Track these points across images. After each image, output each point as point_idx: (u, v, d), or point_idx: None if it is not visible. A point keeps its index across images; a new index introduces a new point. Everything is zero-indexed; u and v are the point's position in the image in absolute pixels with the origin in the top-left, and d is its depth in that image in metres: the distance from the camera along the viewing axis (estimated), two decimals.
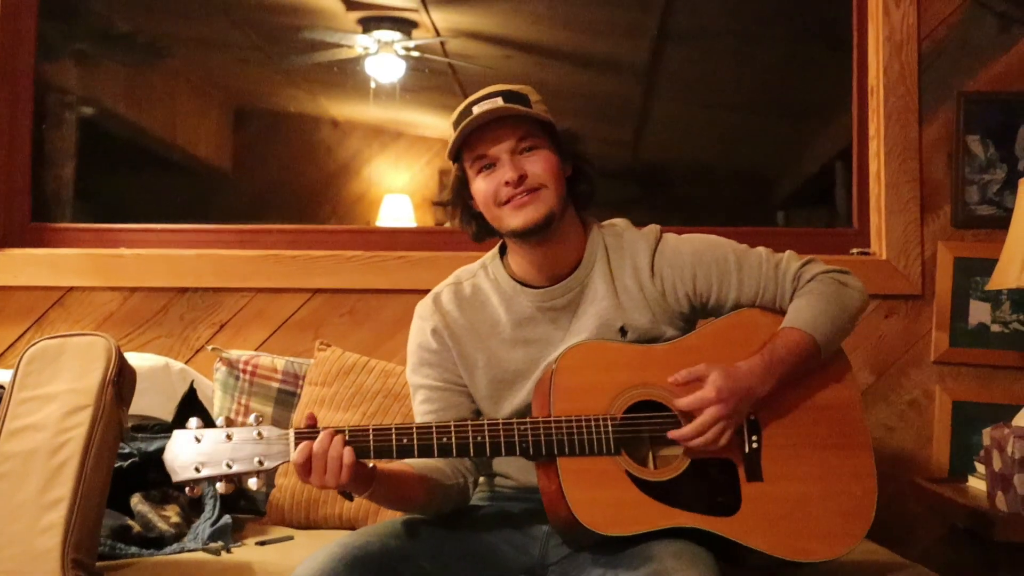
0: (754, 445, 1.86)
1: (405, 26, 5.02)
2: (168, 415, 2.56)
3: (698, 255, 1.98)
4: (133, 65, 4.97)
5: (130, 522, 2.27)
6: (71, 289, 2.92)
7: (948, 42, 2.81)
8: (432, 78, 5.44)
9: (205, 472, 1.67)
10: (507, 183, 1.88)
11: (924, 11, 2.81)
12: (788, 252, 2.01)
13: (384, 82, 5.27)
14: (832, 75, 3.01)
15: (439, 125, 6.13)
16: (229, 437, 1.69)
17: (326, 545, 1.75)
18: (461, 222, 2.03)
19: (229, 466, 1.67)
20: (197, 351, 2.90)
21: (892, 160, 2.79)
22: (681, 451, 1.84)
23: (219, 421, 1.71)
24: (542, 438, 1.78)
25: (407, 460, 1.82)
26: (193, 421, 1.70)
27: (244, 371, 2.71)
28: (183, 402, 2.57)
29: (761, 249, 2.01)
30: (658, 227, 2.04)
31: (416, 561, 1.79)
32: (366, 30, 5.03)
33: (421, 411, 2.01)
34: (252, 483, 1.69)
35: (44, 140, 3.32)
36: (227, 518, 2.35)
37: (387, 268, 2.88)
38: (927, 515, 2.68)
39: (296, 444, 1.68)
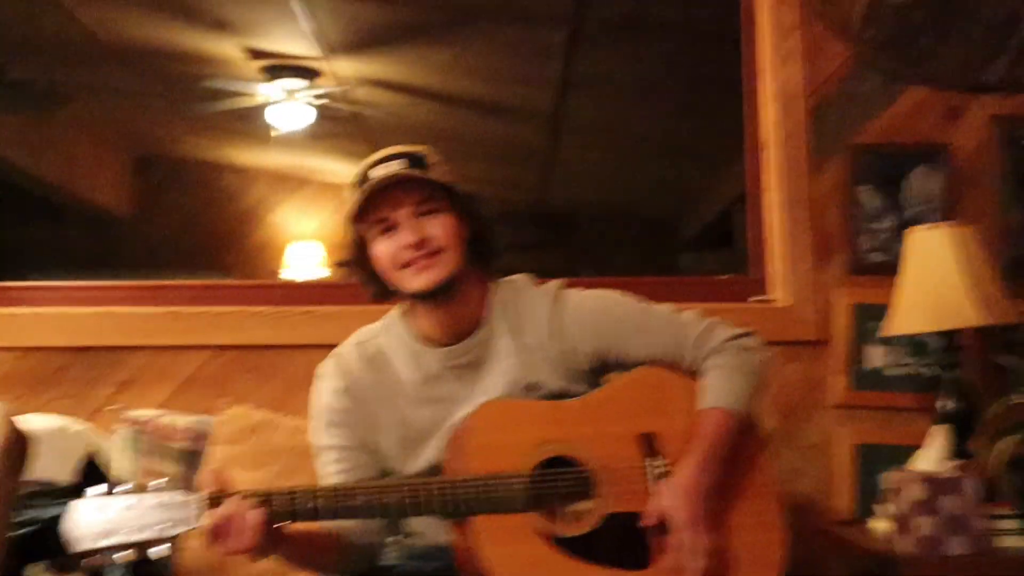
0: None
1: (309, 74, 5.03)
2: (67, 477, 2.49)
3: (598, 314, 2.00)
4: (29, 113, 4.88)
5: None
6: None
7: (836, 97, 2.89)
8: (338, 125, 5.46)
9: (108, 541, 1.63)
10: (407, 246, 1.90)
11: (811, 67, 2.89)
12: (691, 313, 2.03)
13: (289, 130, 5.27)
14: (730, 120, 3.09)
15: (347, 171, 6.14)
16: (134, 503, 1.64)
17: None
18: (363, 284, 2.03)
19: (137, 532, 1.63)
20: (97, 411, 2.82)
21: (787, 211, 2.86)
22: (592, 505, 1.85)
23: (127, 485, 1.67)
24: (456, 497, 1.79)
25: None
26: (95, 489, 1.65)
27: (147, 431, 2.65)
28: (84, 467, 2.50)
29: (664, 309, 2.03)
30: (558, 284, 2.06)
31: None
32: (270, 78, 5.02)
33: (330, 471, 1.99)
34: (160, 550, 1.65)
35: None
36: None
37: (293, 323, 2.85)
38: (834, 558, 2.72)
39: (207, 508, 1.67)
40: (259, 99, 5.10)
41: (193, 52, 4.88)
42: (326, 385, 2.04)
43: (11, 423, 2.05)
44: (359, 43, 4.73)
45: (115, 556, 1.63)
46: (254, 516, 1.66)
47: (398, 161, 1.92)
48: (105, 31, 4.52)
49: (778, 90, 2.88)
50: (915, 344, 2.80)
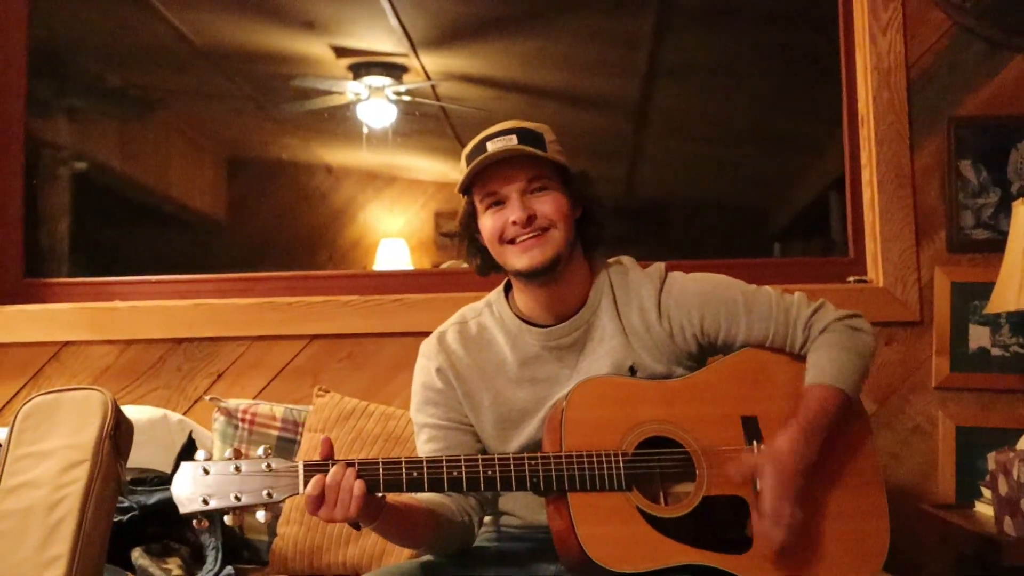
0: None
1: (395, 71, 5.05)
2: (167, 467, 2.54)
3: (705, 296, 1.98)
4: (125, 119, 5.00)
5: None
6: (66, 344, 2.91)
7: (936, 68, 2.82)
8: (424, 122, 5.48)
9: (212, 504, 1.66)
10: (514, 222, 1.89)
11: (911, 38, 2.82)
12: (798, 295, 1.99)
13: (376, 127, 5.30)
14: (822, 105, 3.02)
15: (433, 168, 6.17)
16: (237, 469, 1.67)
17: None
18: (468, 254, 2.03)
19: (237, 498, 1.65)
20: (195, 401, 2.88)
21: (885, 187, 2.79)
22: (693, 487, 1.82)
23: (227, 453, 1.70)
24: (553, 473, 1.77)
25: (415, 495, 1.82)
26: (200, 453, 1.70)
27: (243, 420, 2.68)
28: (181, 453, 2.54)
29: (770, 291, 2.00)
30: (663, 265, 2.04)
31: None
32: (356, 76, 5.06)
33: (426, 450, 1.99)
34: (260, 516, 1.67)
35: (37, 196, 3.32)
36: (230, 569, 2.33)
37: (384, 312, 2.87)
38: (935, 542, 2.65)
39: (306, 477, 1.67)
40: (347, 97, 5.14)
41: (281, 53, 4.94)
42: (425, 364, 2.04)
43: (117, 409, 2.09)
44: (444, 38, 4.74)
45: (222, 519, 1.68)
46: (357, 485, 1.66)
47: (514, 135, 1.90)
48: (197, 35, 4.61)
49: (876, 63, 2.81)
50: (1022, 323, 2.71)
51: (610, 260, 2.06)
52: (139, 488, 2.43)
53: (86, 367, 2.90)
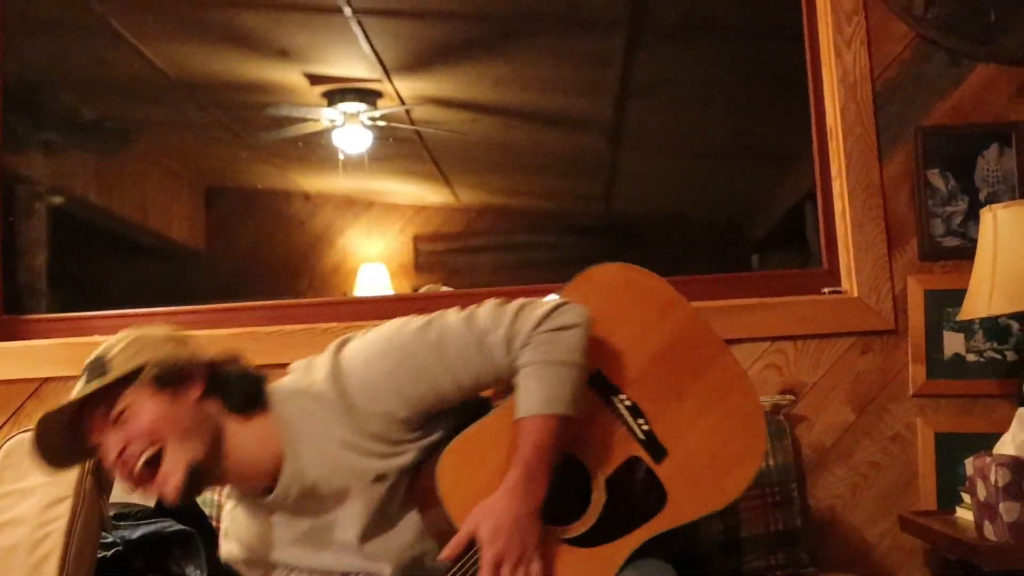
0: (644, 427, 1.85)
1: (370, 97, 5.08)
2: (151, 501, 2.53)
3: (391, 371, 1.75)
4: (101, 152, 5.01)
5: None
6: (47, 380, 2.89)
7: (901, 79, 2.84)
8: (399, 146, 5.51)
9: None
10: (115, 463, 1.70)
11: (875, 51, 2.84)
12: (486, 309, 1.81)
13: (352, 153, 5.32)
14: (795, 117, 3.05)
15: (410, 192, 6.19)
16: None
17: None
18: None
19: None
20: None
21: (856, 199, 2.81)
22: (592, 493, 1.81)
23: None
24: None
25: None
26: None
27: None
28: None
29: (452, 321, 1.79)
30: (331, 353, 1.82)
31: None
32: (331, 103, 5.09)
33: None
34: None
35: (14, 232, 3.31)
36: None
37: None
38: (919, 549, 2.67)
39: None
40: (322, 124, 5.17)
41: (256, 81, 4.97)
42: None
43: None
44: (417, 62, 4.77)
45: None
46: None
47: (81, 380, 1.75)
48: (171, 67, 4.63)
49: (842, 76, 2.83)
50: (995, 328, 2.74)
51: (277, 390, 1.83)
52: (123, 523, 2.42)
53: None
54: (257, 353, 2.83)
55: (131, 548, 2.34)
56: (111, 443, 1.68)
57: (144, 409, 1.69)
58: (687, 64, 4.72)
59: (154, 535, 2.39)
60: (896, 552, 2.69)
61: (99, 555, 2.22)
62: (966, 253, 2.64)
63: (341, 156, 5.38)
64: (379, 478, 1.75)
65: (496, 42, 4.62)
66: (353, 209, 6.18)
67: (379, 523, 1.79)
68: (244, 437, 1.75)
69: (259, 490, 1.79)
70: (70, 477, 2.03)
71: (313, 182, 6.08)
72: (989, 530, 2.17)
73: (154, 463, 1.67)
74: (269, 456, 1.75)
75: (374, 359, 1.77)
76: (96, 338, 2.92)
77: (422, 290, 5.64)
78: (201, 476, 1.70)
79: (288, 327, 2.91)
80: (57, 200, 4.17)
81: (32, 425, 1.72)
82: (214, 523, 2.62)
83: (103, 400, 1.69)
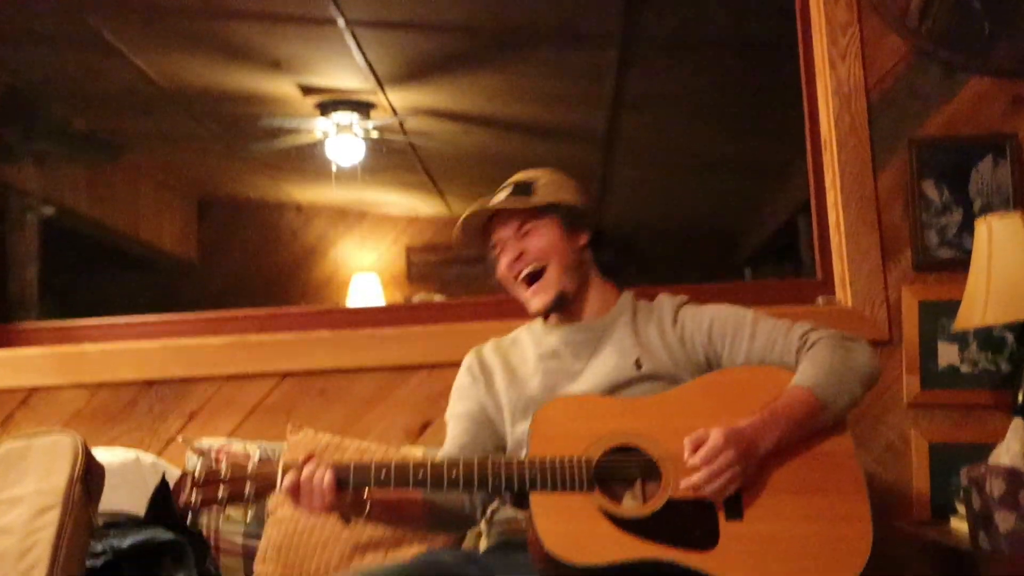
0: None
1: (363, 108, 5.08)
2: (141, 510, 2.50)
3: (718, 310, 2.11)
4: (93, 163, 4.99)
5: None
6: (36, 389, 2.88)
7: (896, 91, 2.85)
8: (392, 157, 5.50)
9: (201, 499, 1.85)
10: (510, 263, 2.11)
11: (869, 63, 2.85)
12: (800, 321, 2.08)
13: (345, 165, 5.31)
14: (789, 130, 3.06)
15: (403, 203, 6.18)
16: (225, 471, 1.87)
17: None
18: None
19: (224, 495, 1.85)
20: (168, 443, 2.85)
21: (850, 209, 2.81)
22: (658, 492, 1.84)
23: (221, 463, 1.89)
24: (515, 475, 1.83)
25: None
26: (191, 458, 1.95)
27: (217, 460, 2.65)
28: (155, 495, 2.51)
29: (774, 318, 2.10)
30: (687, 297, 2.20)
31: None
32: (324, 113, 5.08)
33: (449, 436, 2.16)
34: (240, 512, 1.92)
35: (5, 243, 3.29)
36: None
37: (356, 346, 2.86)
38: (913, 559, 2.65)
39: (283, 475, 1.84)
40: (315, 135, 5.16)
41: (249, 93, 4.95)
42: (462, 367, 2.24)
43: (88, 453, 2.07)
44: (410, 74, 4.76)
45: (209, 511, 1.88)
46: (327, 478, 1.81)
47: (505, 191, 2.13)
48: (164, 78, 4.61)
49: (836, 88, 2.84)
50: (989, 339, 2.73)
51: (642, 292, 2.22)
52: (112, 531, 2.40)
53: (56, 412, 2.86)
54: (248, 362, 2.86)
55: (121, 557, 2.32)
56: (510, 248, 2.12)
57: (546, 234, 2.10)
58: (680, 77, 4.73)
59: (144, 544, 2.36)
60: (891, 562, 2.66)
61: (88, 564, 2.20)
62: (960, 264, 2.63)
63: (334, 167, 5.37)
64: (640, 364, 2.03)
65: (489, 54, 4.62)
66: (346, 220, 6.17)
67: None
68: (594, 291, 2.15)
69: (569, 318, 2.15)
70: (58, 486, 2.01)
71: (306, 193, 6.07)
72: (984, 540, 2.16)
73: (534, 278, 2.10)
74: (599, 312, 2.14)
75: (710, 304, 2.14)
76: (85, 346, 2.91)
77: (415, 298, 5.63)
78: (563, 302, 2.10)
79: (279, 335, 2.90)
80: (48, 211, 4.16)
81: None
82: (204, 532, 2.61)
83: (520, 213, 2.11)
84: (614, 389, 2.02)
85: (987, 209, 2.75)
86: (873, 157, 2.83)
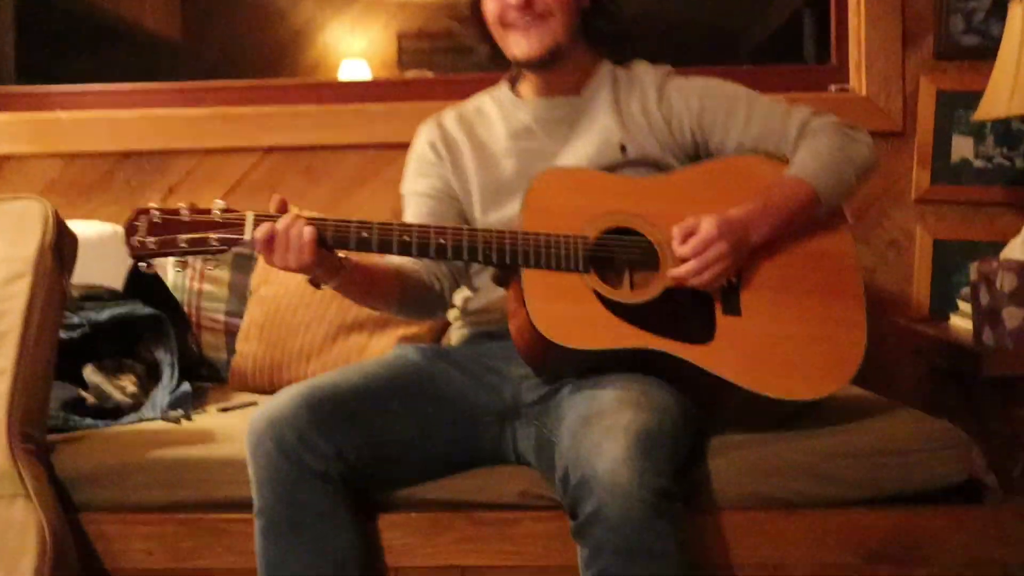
0: (733, 280, 1.77)
1: None
2: (117, 282, 2.43)
3: (708, 89, 1.95)
4: None
5: (84, 394, 2.18)
6: (7, 157, 2.77)
7: None
8: None
9: (160, 248, 1.69)
10: (513, 5, 1.86)
11: None
12: (798, 104, 1.95)
13: None
14: None
15: None
16: (188, 219, 1.67)
17: (291, 385, 1.73)
18: (476, 40, 2.00)
19: (186, 243, 1.66)
20: None
21: None
22: (655, 278, 1.75)
23: (181, 205, 1.69)
24: (507, 246, 1.71)
25: (384, 256, 1.80)
26: (153, 204, 1.71)
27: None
28: (133, 270, 2.44)
29: (770, 96, 1.96)
30: (669, 66, 2.02)
31: (384, 402, 1.75)
32: None
33: (408, 216, 1.98)
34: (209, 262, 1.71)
35: None
36: (186, 386, 2.26)
37: (343, 123, 2.74)
38: (908, 356, 2.62)
39: (256, 224, 1.66)
40: None
41: None
42: (420, 138, 2.05)
43: (59, 221, 1.97)
44: None
45: (178, 266, 1.73)
46: (306, 232, 1.64)
47: None
48: None
49: None
50: (1007, 133, 2.64)
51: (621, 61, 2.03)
52: (89, 304, 2.34)
53: (29, 182, 2.76)
54: (229, 135, 2.74)
55: (98, 329, 2.27)
56: None
57: None
58: None
59: (123, 317, 2.31)
60: (887, 359, 2.63)
61: (65, 336, 2.15)
62: (985, 53, 2.50)
63: None
64: (624, 148, 1.90)
65: None
66: (334, 2, 5.92)
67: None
68: (580, 57, 1.96)
69: (540, 97, 1.99)
70: (28, 254, 1.92)
71: None
72: (989, 336, 2.11)
73: (535, 19, 1.87)
74: (579, 81, 1.97)
75: (700, 78, 1.98)
76: (58, 113, 2.78)
77: (407, 75, 5.43)
78: (554, 57, 1.90)
79: (264, 108, 2.78)
80: None
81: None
82: (185, 309, 2.55)
83: None
84: None
85: None
86: None
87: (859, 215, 2.67)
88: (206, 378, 2.50)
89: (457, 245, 1.71)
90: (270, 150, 2.77)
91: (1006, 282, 2.06)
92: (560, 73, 1.95)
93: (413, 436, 1.77)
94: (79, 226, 2.33)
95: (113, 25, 5.32)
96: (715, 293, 1.76)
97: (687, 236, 1.72)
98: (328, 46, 5.94)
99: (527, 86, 2.01)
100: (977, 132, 2.64)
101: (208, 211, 1.67)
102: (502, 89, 2.05)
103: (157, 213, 1.69)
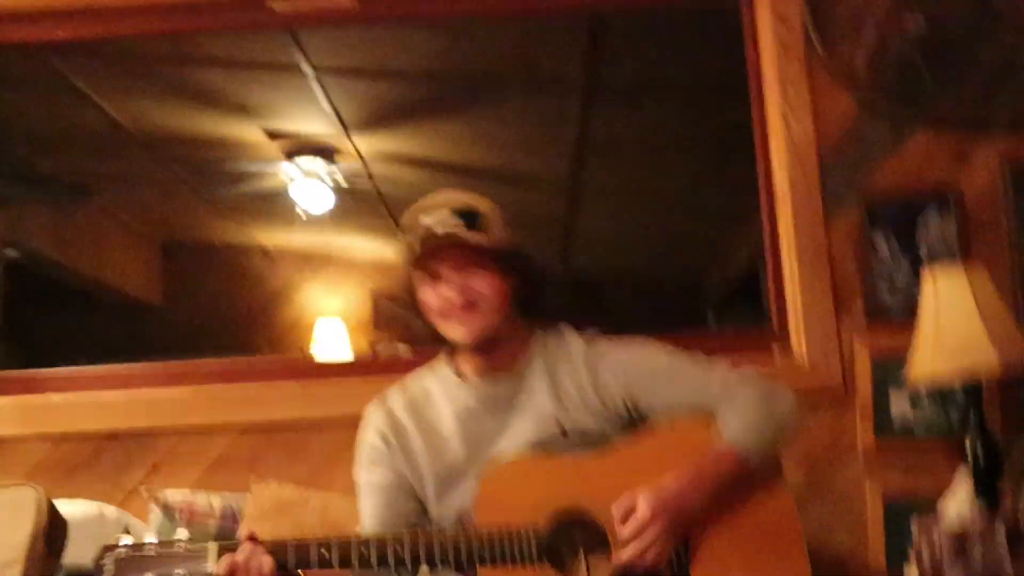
0: (681, 554, 1.87)
1: (328, 152, 5.10)
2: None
3: (631, 357, 2.07)
4: (58, 205, 4.98)
5: None
6: None
7: (846, 145, 2.92)
8: (359, 202, 5.51)
9: None
10: (448, 300, 1.99)
11: (820, 120, 2.92)
12: (721, 364, 2.06)
13: (311, 208, 5.33)
14: (750, 177, 3.11)
15: (368, 248, 6.19)
16: (154, 553, 1.76)
17: None
18: (418, 322, 2.11)
19: None
20: (130, 494, 2.83)
21: (804, 261, 2.88)
22: (606, 559, 1.84)
23: (147, 539, 1.79)
24: (463, 548, 1.80)
25: None
26: (124, 538, 1.79)
27: (181, 512, 2.66)
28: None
29: (693, 359, 2.08)
30: (594, 333, 2.14)
31: None
32: (290, 158, 5.10)
33: (365, 507, 2.04)
34: None
35: None
36: None
37: (320, 398, 2.87)
38: None
39: (220, 555, 1.75)
40: (281, 179, 5.17)
41: (215, 137, 4.96)
42: (370, 425, 2.12)
43: (51, 507, 2.07)
44: (375, 120, 4.80)
45: None
46: (265, 562, 1.74)
47: (453, 218, 1.98)
48: (130, 120, 4.62)
49: (789, 143, 2.92)
50: (939, 389, 2.78)
51: (547, 329, 2.14)
52: None
53: (19, 463, 2.85)
54: (212, 412, 2.87)
55: None
56: (454, 280, 1.99)
57: (487, 279, 2.00)
58: (643, 124, 4.79)
59: None
60: None
61: None
62: (911, 313, 2.67)
63: (300, 211, 5.38)
64: (562, 426, 1.99)
65: (454, 101, 4.66)
66: (311, 264, 6.16)
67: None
68: (513, 332, 2.08)
69: (479, 376, 2.08)
70: (20, 540, 2.01)
71: (272, 237, 6.07)
72: None
73: (469, 308, 1.98)
74: (511, 361, 2.08)
75: (624, 346, 2.09)
76: (50, 396, 2.90)
77: (380, 346, 5.62)
78: (490, 342, 2.01)
79: (243, 385, 2.91)
80: (12, 254, 4.14)
81: None
82: None
83: (469, 248, 1.98)
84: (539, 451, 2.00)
85: (934, 260, 2.82)
86: (825, 209, 2.90)
87: (808, 470, 2.80)
88: None
89: (415, 554, 1.80)
90: (250, 426, 2.87)
91: (943, 543, 2.16)
92: (496, 350, 2.05)
93: None
94: (65, 506, 2.42)
95: (97, 292, 5.52)
96: (666, 570, 1.85)
97: (627, 515, 1.82)
98: (305, 306, 6.17)
99: (466, 364, 2.10)
100: (912, 387, 2.80)
101: (173, 543, 1.78)
102: (445, 370, 2.13)
103: (124, 550, 1.77)
